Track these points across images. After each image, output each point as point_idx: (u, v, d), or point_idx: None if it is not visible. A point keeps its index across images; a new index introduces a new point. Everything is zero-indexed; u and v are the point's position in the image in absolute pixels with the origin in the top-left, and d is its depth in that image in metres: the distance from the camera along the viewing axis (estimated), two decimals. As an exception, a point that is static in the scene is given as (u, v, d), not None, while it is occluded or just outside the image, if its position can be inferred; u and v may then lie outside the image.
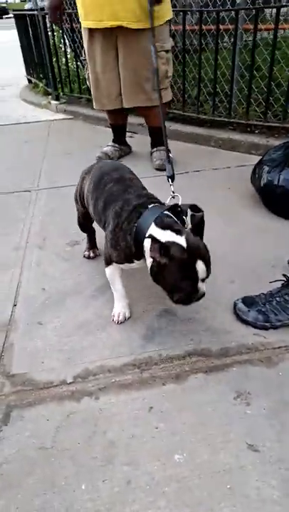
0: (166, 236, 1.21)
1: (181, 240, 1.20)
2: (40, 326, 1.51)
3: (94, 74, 2.66)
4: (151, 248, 1.20)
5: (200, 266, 1.19)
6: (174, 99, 3.45)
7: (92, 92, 2.78)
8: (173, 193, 1.48)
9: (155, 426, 1.14)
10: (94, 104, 2.82)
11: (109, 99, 2.69)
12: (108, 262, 1.47)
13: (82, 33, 2.64)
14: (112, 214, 1.39)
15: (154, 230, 1.25)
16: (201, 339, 1.42)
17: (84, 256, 1.90)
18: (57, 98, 4.36)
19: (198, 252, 1.21)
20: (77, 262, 1.89)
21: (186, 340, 1.41)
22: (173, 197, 1.46)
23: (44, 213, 2.33)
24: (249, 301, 1.49)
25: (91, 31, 2.49)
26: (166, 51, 2.53)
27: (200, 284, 1.22)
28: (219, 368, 1.31)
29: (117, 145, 3.03)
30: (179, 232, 1.22)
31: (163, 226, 1.25)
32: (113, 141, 3.05)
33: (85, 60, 2.73)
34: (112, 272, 1.49)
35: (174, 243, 1.19)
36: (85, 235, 1.92)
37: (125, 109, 2.75)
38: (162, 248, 1.17)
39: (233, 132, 3.06)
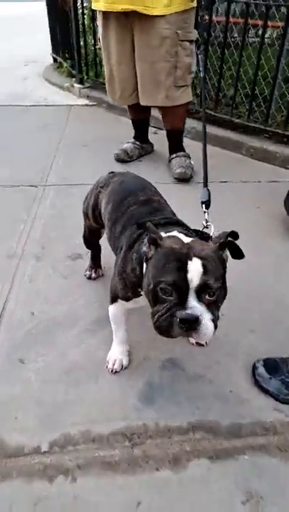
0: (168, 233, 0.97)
1: (183, 237, 0.94)
2: (21, 365, 1.28)
3: (108, 65, 2.39)
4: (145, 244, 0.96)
5: (195, 264, 0.84)
6: (207, 97, 3.14)
7: (106, 85, 2.51)
8: (206, 222, 1.17)
9: (141, 532, 0.91)
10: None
11: (123, 95, 2.43)
12: (113, 299, 1.21)
13: (97, 18, 2.34)
14: (127, 237, 1.14)
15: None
16: (210, 407, 1.17)
17: (85, 275, 1.66)
18: (81, 81, 4.05)
19: (199, 251, 0.88)
20: (76, 281, 1.65)
21: (192, 408, 1.17)
22: (206, 226, 1.16)
23: (48, 215, 2.08)
24: (272, 366, 1.24)
25: (105, 16, 2.21)
26: (190, 41, 2.22)
27: (191, 297, 0.84)
28: (228, 452, 1.07)
29: (138, 142, 2.74)
30: (187, 235, 0.97)
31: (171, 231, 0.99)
32: (134, 137, 2.76)
33: (100, 48, 2.45)
34: (115, 312, 1.24)
35: (171, 235, 0.95)
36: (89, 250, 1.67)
37: None
38: (153, 237, 0.91)
39: (268, 141, 2.75)
